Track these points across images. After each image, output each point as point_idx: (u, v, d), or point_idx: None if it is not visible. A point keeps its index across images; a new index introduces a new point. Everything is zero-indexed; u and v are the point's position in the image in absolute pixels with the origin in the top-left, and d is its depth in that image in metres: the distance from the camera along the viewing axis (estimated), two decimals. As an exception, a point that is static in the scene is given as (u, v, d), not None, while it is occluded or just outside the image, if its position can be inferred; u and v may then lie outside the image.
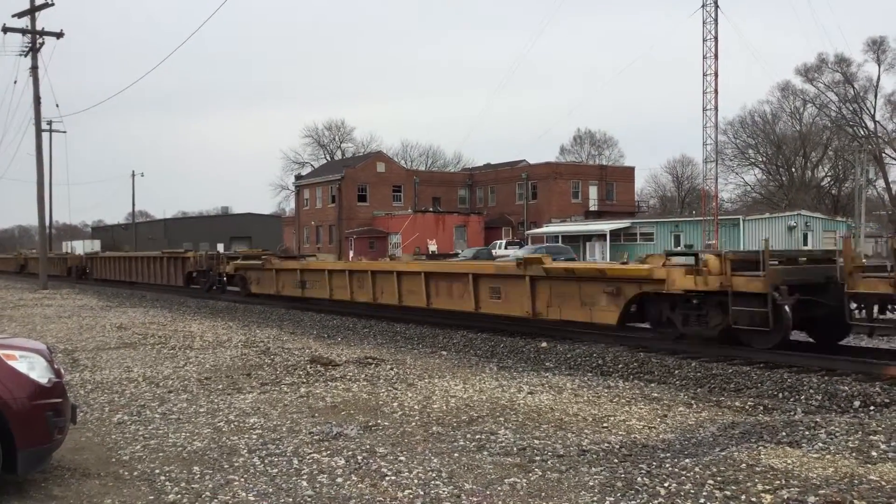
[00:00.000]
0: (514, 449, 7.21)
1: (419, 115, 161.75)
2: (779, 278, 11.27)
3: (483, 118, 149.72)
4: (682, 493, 5.81)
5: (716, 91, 50.40)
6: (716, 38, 50.11)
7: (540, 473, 6.43)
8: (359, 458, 6.96)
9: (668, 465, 6.50)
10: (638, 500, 5.73)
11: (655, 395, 9.92)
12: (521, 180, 76.22)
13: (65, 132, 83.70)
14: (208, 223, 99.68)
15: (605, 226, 60.12)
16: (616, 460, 6.77)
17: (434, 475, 6.41)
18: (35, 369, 6.14)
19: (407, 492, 6.01)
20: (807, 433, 7.48)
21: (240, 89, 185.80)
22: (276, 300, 25.01)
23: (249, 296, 26.97)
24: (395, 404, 9.27)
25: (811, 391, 9.75)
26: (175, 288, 33.28)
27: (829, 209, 72.63)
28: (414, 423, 8.30)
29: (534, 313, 14.96)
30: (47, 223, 48.71)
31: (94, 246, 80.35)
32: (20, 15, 38.49)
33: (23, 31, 38.81)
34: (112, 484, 6.35)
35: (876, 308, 10.96)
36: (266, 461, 6.90)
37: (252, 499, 5.93)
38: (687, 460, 6.64)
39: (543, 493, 5.94)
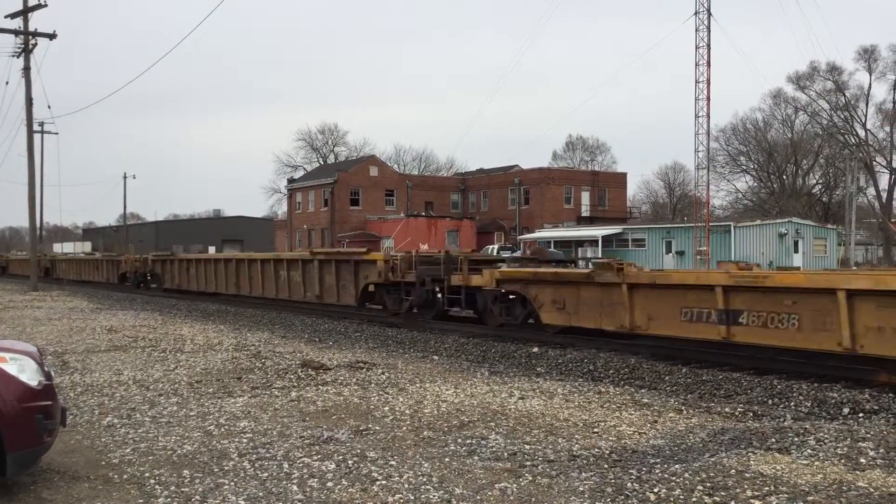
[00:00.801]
0: (505, 454, 7.22)
1: (412, 119, 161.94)
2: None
3: (476, 123, 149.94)
4: (672, 499, 5.83)
5: (708, 98, 50.58)
6: (708, 46, 50.29)
7: (530, 478, 6.44)
8: (349, 462, 6.95)
9: (657, 471, 6.52)
10: (628, 506, 5.75)
11: (646, 400, 9.95)
12: (513, 185, 76.34)
13: (57, 133, 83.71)
14: (200, 226, 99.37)
15: (597, 231, 60.23)
16: (606, 466, 6.78)
17: (424, 480, 6.41)
18: (25, 372, 6.11)
19: (397, 496, 6.01)
20: (796, 440, 7.52)
21: (233, 92, 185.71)
22: (182, 293, 30.68)
23: (165, 290, 32.35)
24: (387, 409, 9.27)
25: (801, 398, 9.79)
26: (112, 284, 40.28)
27: (819, 217, 72.96)
28: (405, 428, 8.30)
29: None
30: (38, 225, 48.54)
31: (85, 248, 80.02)
32: (13, 16, 38.39)
33: (15, 32, 38.69)
34: (101, 487, 6.33)
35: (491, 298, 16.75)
36: (256, 465, 6.89)
37: (242, 502, 5.92)
38: (677, 466, 6.66)
39: (534, 498, 5.95)
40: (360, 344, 16.17)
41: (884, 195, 77.25)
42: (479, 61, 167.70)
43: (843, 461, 6.75)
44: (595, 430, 8.22)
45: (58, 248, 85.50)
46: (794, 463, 6.71)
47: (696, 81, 50.76)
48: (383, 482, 6.35)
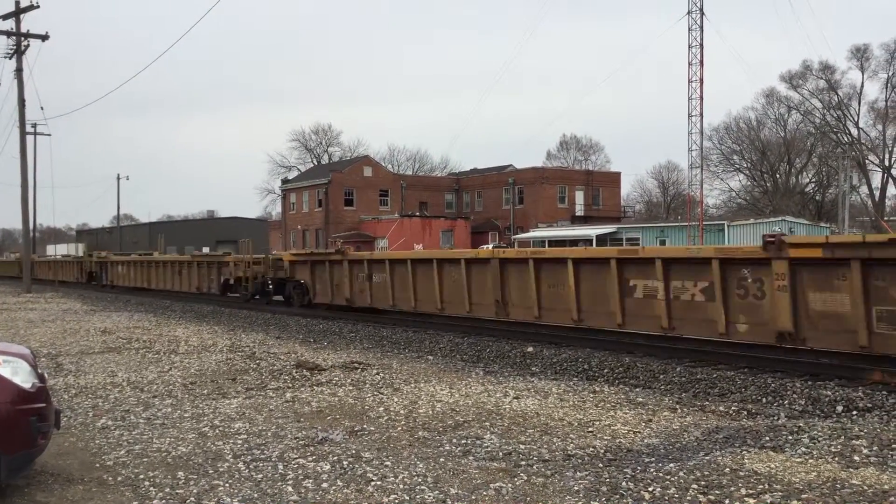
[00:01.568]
0: (500, 454, 7.23)
1: (406, 119, 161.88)
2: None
3: (470, 123, 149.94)
4: (667, 498, 5.84)
5: (701, 97, 50.69)
6: (701, 45, 50.41)
7: (525, 478, 6.45)
8: (344, 463, 6.95)
9: (652, 470, 6.54)
10: (622, 505, 5.76)
11: (640, 399, 9.97)
12: (507, 185, 76.41)
13: (49, 135, 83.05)
14: (194, 227, 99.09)
15: (592, 230, 60.32)
16: (601, 465, 6.79)
17: (419, 480, 6.42)
18: (18, 374, 6.09)
19: (392, 496, 6.01)
20: (790, 438, 7.54)
21: (227, 93, 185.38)
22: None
23: (103, 286, 41.50)
24: (381, 409, 9.27)
25: (795, 396, 9.82)
26: (81, 283, 46.38)
27: (813, 215, 73.15)
28: (400, 428, 8.30)
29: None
30: (31, 226, 48.43)
31: (79, 249, 79.77)
32: (5, 17, 38.28)
33: (7, 34, 38.58)
34: (96, 489, 6.32)
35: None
36: (251, 466, 6.88)
37: (237, 504, 5.91)
38: (671, 465, 6.68)
39: (529, 498, 5.95)
40: (355, 344, 16.16)
41: (876, 193, 77.56)
42: (475, 61, 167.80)
43: (836, 459, 6.77)
44: (590, 429, 8.24)
45: (51, 249, 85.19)
46: (788, 461, 6.73)
47: (690, 81, 50.91)
48: (378, 483, 6.35)
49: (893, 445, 7.17)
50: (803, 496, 5.78)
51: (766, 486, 6.02)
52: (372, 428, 8.31)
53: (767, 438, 7.55)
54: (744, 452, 7.04)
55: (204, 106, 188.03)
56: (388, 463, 6.93)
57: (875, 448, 7.09)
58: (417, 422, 8.60)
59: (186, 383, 11.21)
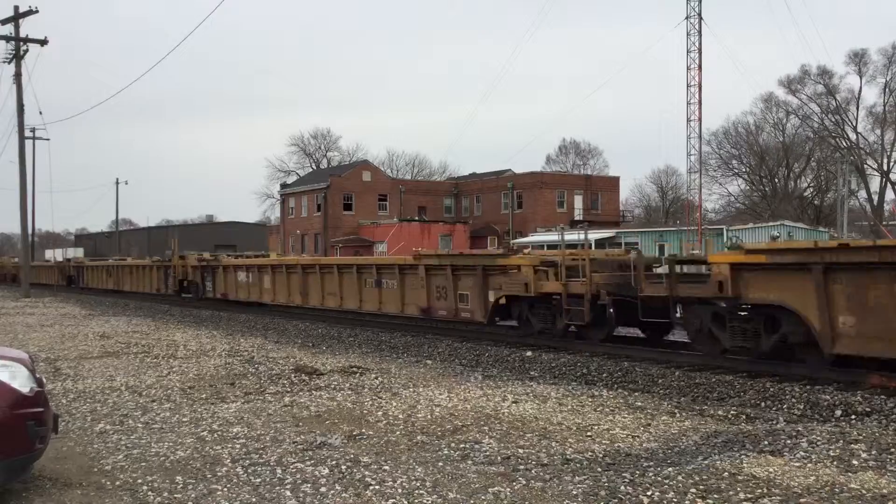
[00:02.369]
0: (499, 458, 7.22)
1: (405, 124, 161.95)
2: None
3: (469, 128, 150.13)
4: (665, 502, 5.84)
5: (699, 102, 50.73)
6: (699, 50, 50.46)
7: (524, 482, 6.44)
8: (343, 467, 6.94)
9: (651, 474, 6.53)
10: (621, 509, 5.75)
11: (639, 403, 9.96)
12: (506, 189, 76.38)
13: (48, 140, 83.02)
14: (192, 231, 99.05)
15: (590, 235, 60.09)
16: (599, 469, 6.79)
17: (418, 484, 6.41)
18: (16, 378, 6.09)
19: (391, 501, 6.00)
20: (789, 442, 7.54)
21: (225, 97, 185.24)
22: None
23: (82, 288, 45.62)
24: (380, 413, 9.26)
25: (793, 400, 9.82)
26: (61, 285, 50.59)
27: (811, 219, 73.18)
28: (398, 433, 8.29)
29: None
30: (30, 231, 48.45)
31: (77, 254, 79.79)
32: (4, 22, 38.31)
33: (6, 39, 38.63)
34: (94, 494, 6.31)
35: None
36: (249, 471, 6.87)
37: (235, 508, 5.90)
38: (670, 469, 6.67)
39: (527, 502, 5.95)
40: (354, 349, 16.15)
41: (875, 198, 77.63)
42: (472, 66, 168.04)
43: (835, 463, 6.77)
44: (588, 433, 8.23)
45: (49, 254, 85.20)
46: (786, 465, 6.73)
47: (688, 85, 50.95)
48: (377, 487, 6.35)
49: (892, 449, 7.17)
50: (802, 500, 5.78)
51: (765, 491, 6.02)
52: (370, 432, 8.30)
53: (766, 443, 7.55)
54: (742, 457, 7.04)
55: (203, 110, 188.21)
56: (386, 467, 6.92)
57: (874, 452, 7.08)
58: (416, 426, 8.59)
59: (185, 388, 11.20)
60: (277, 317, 23.31)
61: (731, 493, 5.99)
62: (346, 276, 21.10)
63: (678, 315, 13.11)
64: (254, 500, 6.08)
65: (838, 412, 9.23)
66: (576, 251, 16.10)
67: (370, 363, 13.73)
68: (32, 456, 6.20)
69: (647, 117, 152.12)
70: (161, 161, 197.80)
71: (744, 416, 9.20)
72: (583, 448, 7.58)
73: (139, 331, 20.11)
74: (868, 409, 9.18)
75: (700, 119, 51.16)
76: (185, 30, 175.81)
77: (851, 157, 72.47)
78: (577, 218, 74.62)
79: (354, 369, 12.75)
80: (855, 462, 6.79)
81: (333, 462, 7.10)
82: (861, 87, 78.01)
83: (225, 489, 6.35)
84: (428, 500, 6.01)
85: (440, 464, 7.05)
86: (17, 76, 38.87)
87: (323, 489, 6.32)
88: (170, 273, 33.18)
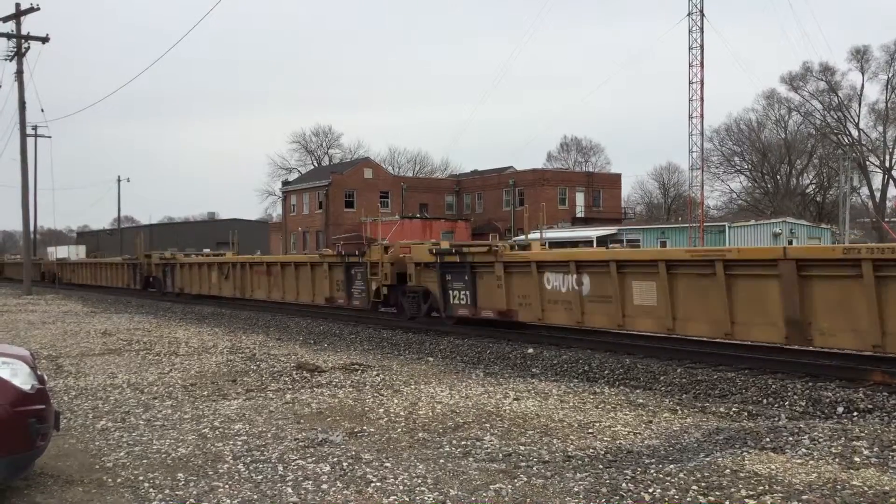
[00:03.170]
0: (500, 455, 7.22)
1: (407, 121, 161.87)
2: None
3: (470, 125, 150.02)
4: (667, 499, 5.83)
5: (701, 99, 50.64)
6: (701, 47, 50.37)
7: (525, 479, 6.44)
8: (344, 464, 6.94)
9: (652, 471, 6.53)
10: (623, 506, 5.75)
11: (641, 401, 9.96)
12: (508, 187, 76.35)
13: (50, 137, 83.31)
14: (194, 228, 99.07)
15: (592, 232, 60.26)
16: (601, 466, 6.79)
17: (419, 481, 6.41)
18: (18, 375, 6.09)
19: (392, 498, 6.00)
20: (790, 439, 7.53)
21: (227, 94, 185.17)
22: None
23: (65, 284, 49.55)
24: (381, 410, 9.26)
25: (795, 397, 9.81)
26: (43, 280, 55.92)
27: (813, 216, 73.17)
28: (400, 430, 8.29)
29: None
30: (32, 228, 48.57)
31: (79, 251, 79.85)
32: (5, 19, 38.32)
33: (8, 36, 38.61)
34: (95, 491, 6.31)
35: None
36: (251, 468, 6.87)
37: (236, 505, 5.90)
38: (671, 466, 6.67)
39: (528, 499, 5.95)
40: (356, 346, 16.15)
41: (877, 195, 77.55)
42: (474, 63, 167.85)
43: (837, 460, 6.76)
44: (590, 430, 8.23)
45: (52, 251, 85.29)
46: (788, 462, 6.72)
47: (690, 82, 50.86)
48: (378, 484, 6.35)
49: (894, 446, 7.16)
50: (804, 497, 5.77)
51: (767, 488, 6.01)
52: (372, 429, 8.30)
53: (768, 440, 7.54)
54: (744, 454, 7.03)
55: (204, 107, 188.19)
56: (387, 464, 6.92)
57: (876, 449, 7.08)
58: (417, 423, 8.59)
59: (186, 385, 11.20)
60: (279, 314, 23.34)
61: (732, 490, 5.98)
62: (273, 272, 25.04)
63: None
64: (255, 497, 6.08)
65: (840, 409, 9.22)
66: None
67: (371, 360, 13.73)
68: (34, 453, 6.20)
69: (649, 115, 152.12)
70: (163, 158, 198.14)
71: (745, 413, 9.19)
72: (584, 445, 7.57)
73: (141, 328, 20.13)
74: (870, 406, 9.17)
75: (702, 116, 51.07)
76: (187, 26, 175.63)
77: (853, 154, 72.37)
78: (579, 215, 74.71)
79: (356, 366, 12.75)
80: (857, 459, 6.78)
81: (335, 459, 7.10)
82: (863, 84, 78.02)
83: (226, 486, 6.35)
84: (429, 497, 6.00)
85: (441, 461, 7.05)
86: (19, 73, 38.89)
87: (324, 486, 6.32)
88: (137, 270, 36.73)
